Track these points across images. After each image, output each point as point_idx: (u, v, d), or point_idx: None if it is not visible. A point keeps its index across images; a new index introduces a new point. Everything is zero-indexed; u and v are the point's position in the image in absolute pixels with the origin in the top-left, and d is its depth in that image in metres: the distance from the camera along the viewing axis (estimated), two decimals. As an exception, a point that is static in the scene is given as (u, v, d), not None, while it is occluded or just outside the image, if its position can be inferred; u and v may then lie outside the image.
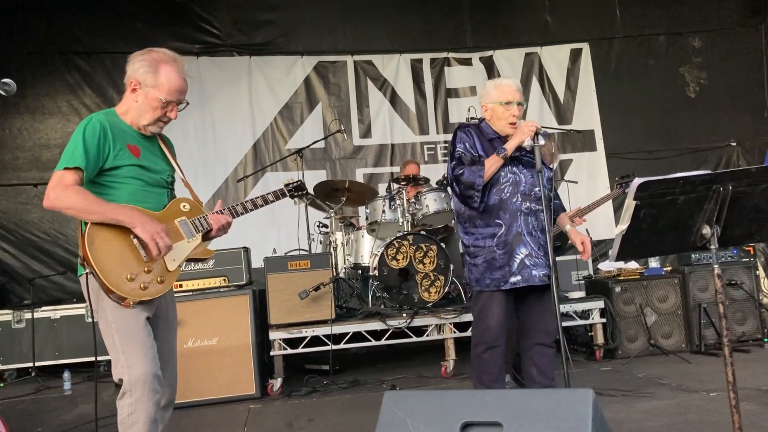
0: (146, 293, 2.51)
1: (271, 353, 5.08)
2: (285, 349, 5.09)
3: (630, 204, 2.37)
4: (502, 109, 3.53)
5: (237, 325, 4.88)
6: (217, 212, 2.79)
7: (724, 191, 2.38)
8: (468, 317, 5.20)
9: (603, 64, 8.70)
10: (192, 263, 4.94)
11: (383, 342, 5.31)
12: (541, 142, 3.32)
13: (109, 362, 2.64)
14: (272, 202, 3.04)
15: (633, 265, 5.79)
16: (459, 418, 1.92)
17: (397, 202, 5.78)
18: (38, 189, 7.44)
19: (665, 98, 8.66)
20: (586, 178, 8.31)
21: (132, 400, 2.46)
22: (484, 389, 3.44)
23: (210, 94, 7.99)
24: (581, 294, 6.00)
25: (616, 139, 8.52)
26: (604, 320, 5.48)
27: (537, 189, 3.41)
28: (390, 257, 5.35)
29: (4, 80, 2.65)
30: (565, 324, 4.85)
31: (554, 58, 8.67)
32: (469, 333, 5.15)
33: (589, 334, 5.63)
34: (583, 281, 6.29)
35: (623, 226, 2.41)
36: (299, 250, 6.21)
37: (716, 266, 2.51)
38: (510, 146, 3.40)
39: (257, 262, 5.46)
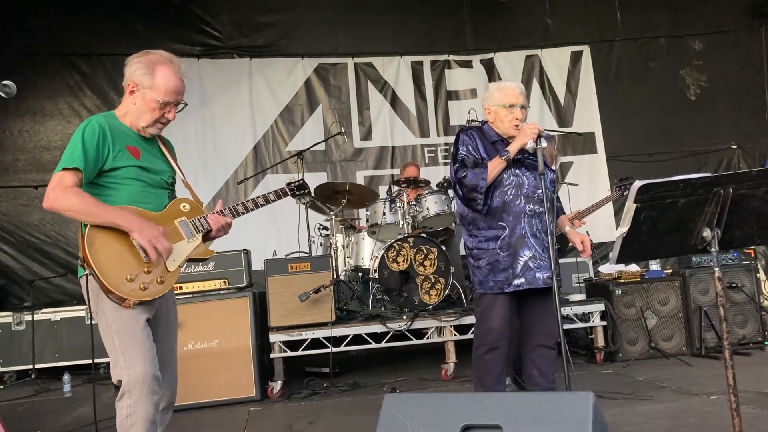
0: (146, 294, 2.51)
1: (271, 356, 5.07)
2: (285, 351, 5.09)
3: (630, 207, 2.37)
4: (505, 112, 3.53)
5: (237, 328, 4.88)
6: (217, 212, 2.80)
7: (724, 194, 2.38)
8: (468, 320, 5.20)
9: (603, 67, 8.71)
10: (192, 265, 5.00)
11: (383, 344, 5.30)
12: (544, 144, 3.32)
13: (108, 364, 2.64)
14: (273, 201, 3.04)
15: (633, 267, 5.79)
16: (459, 420, 1.91)
17: (398, 204, 5.78)
18: (38, 191, 7.45)
19: (666, 101, 8.67)
20: (587, 181, 8.32)
21: (131, 402, 2.46)
22: (485, 391, 3.44)
23: (210, 96, 8.00)
24: (582, 297, 5.99)
25: (617, 142, 8.53)
26: (604, 323, 5.47)
27: (540, 191, 3.41)
28: (390, 260, 5.35)
29: (5, 82, 2.65)
30: (565, 327, 4.85)
31: (555, 60, 8.68)
32: (469, 336, 5.17)
33: (590, 336, 5.62)
34: (583, 284, 6.29)
35: (624, 228, 2.41)
36: (299, 252, 6.21)
37: (717, 269, 2.51)
38: (512, 149, 3.40)
39: (257, 265, 5.46)
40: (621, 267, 5.75)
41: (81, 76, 7.79)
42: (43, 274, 7.35)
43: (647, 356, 5.44)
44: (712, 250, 2.46)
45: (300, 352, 5.12)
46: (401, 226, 5.73)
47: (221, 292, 5.06)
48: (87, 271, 2.51)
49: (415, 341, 5.31)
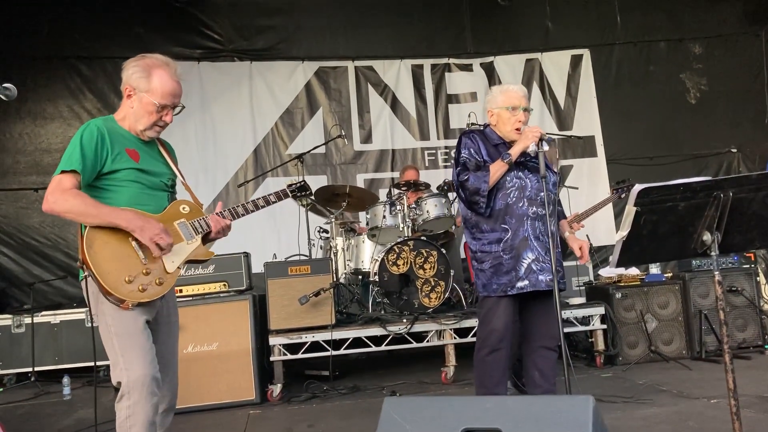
0: (145, 295, 2.52)
1: (271, 359, 5.07)
2: (285, 354, 5.09)
3: (630, 210, 2.37)
4: (508, 115, 3.54)
5: (237, 331, 4.88)
6: (217, 214, 2.80)
7: (724, 198, 2.38)
8: (468, 323, 5.20)
9: (604, 70, 8.71)
10: (192, 268, 5.01)
11: (383, 348, 5.30)
12: (545, 147, 3.32)
13: (108, 367, 2.64)
14: (274, 202, 3.04)
15: (633, 271, 5.78)
16: (459, 424, 1.91)
17: (398, 207, 5.78)
18: (39, 193, 7.44)
19: (666, 104, 8.67)
20: (587, 184, 8.31)
21: (130, 403, 2.46)
22: (486, 393, 3.44)
23: (211, 99, 8.00)
24: (582, 300, 5.99)
25: (617, 145, 8.53)
26: (604, 326, 5.47)
27: (543, 194, 3.42)
28: (390, 263, 5.35)
29: (5, 85, 2.66)
30: (565, 330, 4.85)
31: (555, 63, 8.68)
32: (469, 339, 5.18)
33: (590, 340, 5.62)
34: (583, 287, 6.28)
35: (624, 232, 2.41)
36: (299, 255, 6.22)
37: (717, 273, 2.51)
38: (514, 151, 3.41)
39: (257, 267, 5.45)
40: (621, 270, 5.75)
41: (81, 78, 7.80)
42: (43, 276, 7.34)
43: (647, 360, 5.44)
44: (712, 253, 2.46)
45: (300, 355, 5.12)
46: (401, 229, 5.73)
47: (221, 295, 5.06)
48: (86, 273, 2.52)
49: (415, 344, 5.30)
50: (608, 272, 5.99)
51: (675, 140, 8.59)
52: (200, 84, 7.94)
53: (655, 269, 6.08)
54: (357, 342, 5.22)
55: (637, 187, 2.35)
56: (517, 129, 3.51)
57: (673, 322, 5.56)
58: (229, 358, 4.83)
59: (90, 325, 6.28)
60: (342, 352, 5.20)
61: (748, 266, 5.79)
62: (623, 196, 6.24)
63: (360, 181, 8.19)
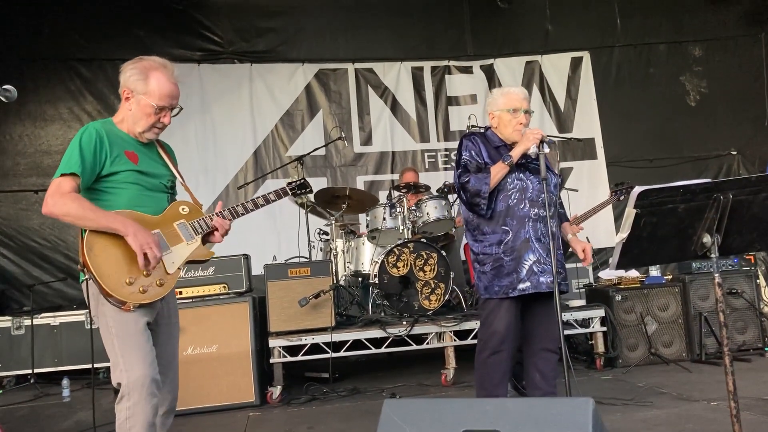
0: (145, 296, 2.53)
1: (271, 361, 5.06)
2: (285, 356, 5.08)
3: (630, 212, 2.37)
4: (510, 117, 3.54)
5: (237, 333, 4.87)
6: (217, 213, 2.81)
7: (724, 200, 2.38)
8: (468, 325, 5.20)
9: (603, 73, 8.72)
10: (192, 270, 5.01)
11: (383, 350, 5.29)
12: (546, 150, 3.33)
13: (107, 369, 2.65)
14: (273, 201, 3.04)
15: (633, 273, 5.78)
16: (459, 426, 1.91)
17: (398, 209, 5.78)
18: (39, 195, 7.44)
19: (666, 107, 8.68)
20: (587, 187, 8.31)
21: (130, 404, 2.46)
22: (487, 395, 3.43)
23: (211, 101, 8.01)
24: (582, 302, 5.99)
25: (617, 148, 8.54)
26: (604, 329, 5.46)
27: (545, 195, 3.41)
28: (390, 265, 5.35)
29: (5, 87, 2.67)
30: (565, 332, 4.84)
31: (555, 66, 8.69)
32: (469, 341, 5.17)
33: (590, 342, 5.61)
34: (583, 289, 6.28)
35: (623, 234, 2.41)
36: (299, 257, 6.21)
37: (717, 275, 2.51)
38: (515, 153, 3.41)
39: (257, 270, 5.45)
40: (621, 273, 5.75)
41: (82, 80, 7.81)
42: (42, 278, 7.34)
43: (647, 362, 5.44)
44: (712, 256, 2.46)
45: (299, 358, 5.12)
46: (401, 231, 5.73)
47: (221, 297, 5.06)
48: (87, 276, 2.53)
49: (414, 347, 5.30)
50: (608, 274, 5.99)
51: (675, 142, 8.60)
52: (200, 86, 7.95)
53: (655, 271, 6.08)
54: (357, 344, 5.22)
55: (637, 189, 2.35)
56: (518, 131, 3.52)
57: (673, 324, 5.55)
58: (229, 360, 4.83)
59: (89, 327, 6.28)
60: (342, 354, 5.19)
61: (748, 268, 5.79)
62: (622, 198, 6.26)
63: (360, 183, 8.19)
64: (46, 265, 7.48)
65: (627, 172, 8.07)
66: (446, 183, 6.41)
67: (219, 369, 4.80)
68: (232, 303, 4.97)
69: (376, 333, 5.18)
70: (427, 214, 5.78)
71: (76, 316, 6.49)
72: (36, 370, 6.27)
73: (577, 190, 7.63)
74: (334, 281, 5.45)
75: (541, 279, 3.39)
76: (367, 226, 5.96)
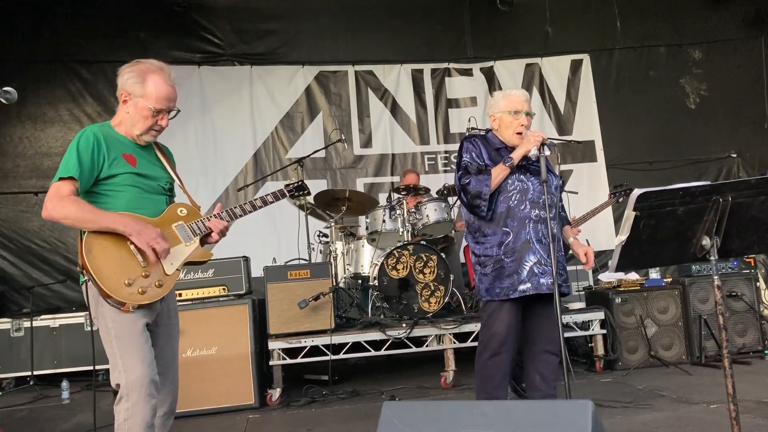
0: (145, 297, 2.54)
1: (270, 363, 5.06)
2: (284, 359, 5.08)
3: (629, 215, 2.38)
4: (511, 119, 3.55)
5: (236, 335, 4.87)
6: (215, 215, 2.82)
7: (723, 202, 2.39)
8: (468, 327, 5.20)
9: (603, 75, 8.73)
10: (192, 272, 5.00)
11: (383, 352, 5.29)
12: (547, 152, 3.33)
13: (107, 371, 2.65)
14: (271, 202, 3.05)
15: (633, 276, 5.78)
16: (458, 428, 1.91)
17: (398, 211, 5.78)
18: (38, 197, 7.44)
19: (666, 109, 8.69)
20: (587, 189, 8.31)
21: (128, 405, 2.47)
22: (486, 397, 3.43)
23: (211, 103, 8.02)
24: (582, 305, 5.98)
25: (617, 150, 8.54)
26: (604, 331, 5.46)
27: (545, 196, 3.42)
28: (390, 267, 5.35)
29: (5, 88, 2.68)
30: (565, 335, 4.84)
31: (555, 68, 8.70)
32: (469, 344, 5.17)
33: (589, 345, 5.61)
34: (583, 292, 6.28)
35: (623, 236, 2.41)
36: (299, 259, 6.21)
37: (716, 277, 2.51)
38: (516, 155, 3.42)
39: (257, 272, 5.45)
40: (621, 275, 5.75)
41: (82, 82, 7.81)
42: (42, 280, 7.33)
43: (647, 365, 5.43)
44: (712, 258, 2.46)
45: (299, 360, 5.12)
46: (401, 234, 5.73)
47: (220, 299, 5.06)
48: (86, 278, 2.54)
49: (414, 349, 5.30)
50: (608, 277, 5.98)
51: (675, 145, 8.60)
52: (200, 88, 7.96)
53: (654, 274, 6.08)
54: (356, 346, 5.22)
55: (637, 192, 2.35)
56: (519, 133, 3.52)
57: (672, 327, 5.55)
58: (229, 363, 4.83)
59: (89, 329, 6.28)
60: (341, 356, 5.19)
61: (747, 271, 5.79)
62: (620, 200, 6.26)
63: (360, 185, 8.19)
64: (46, 267, 7.48)
65: (627, 174, 8.06)
66: (446, 185, 6.40)
67: (218, 371, 4.80)
68: (231, 305, 4.96)
69: (375, 335, 5.18)
70: (427, 216, 5.77)
71: (76, 318, 6.49)
72: (35, 372, 6.26)
73: (576, 193, 7.63)
74: (334, 283, 5.45)
75: (542, 280, 3.39)
76: (367, 228, 5.96)
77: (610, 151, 8.55)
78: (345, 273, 6.12)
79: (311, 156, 7.12)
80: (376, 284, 5.35)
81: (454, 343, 5.26)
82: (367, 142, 8.40)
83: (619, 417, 3.94)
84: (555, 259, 3.27)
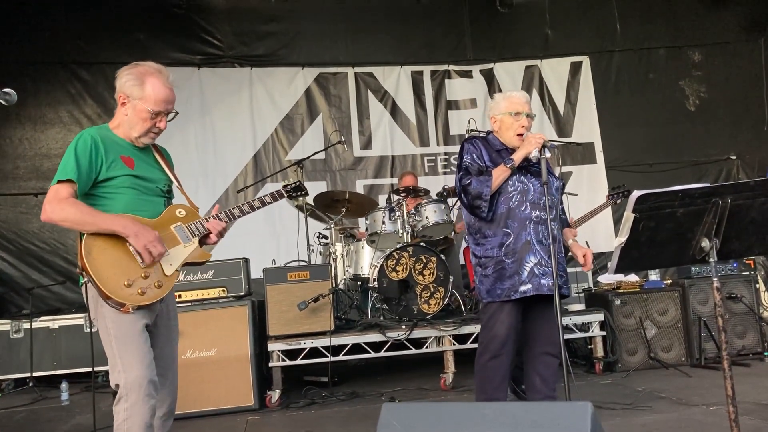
0: (144, 298, 2.55)
1: (270, 364, 5.06)
2: (284, 360, 5.08)
3: (629, 216, 2.38)
4: (511, 120, 3.55)
5: (235, 336, 4.87)
6: (213, 216, 2.82)
7: (723, 204, 2.39)
8: (467, 329, 5.20)
9: (603, 77, 8.73)
10: (191, 274, 5.00)
11: (382, 354, 5.29)
12: (547, 154, 3.34)
13: (106, 373, 2.65)
14: (269, 203, 3.06)
15: (633, 278, 5.78)
16: (457, 430, 1.91)
17: (397, 213, 5.78)
18: (38, 199, 7.45)
19: (665, 111, 8.70)
20: (586, 191, 8.31)
21: (127, 405, 2.48)
22: (486, 398, 3.43)
23: (211, 105, 8.02)
24: (581, 306, 5.98)
25: (616, 152, 8.55)
26: (603, 333, 5.46)
27: (546, 197, 3.42)
28: (390, 269, 5.35)
29: (5, 90, 2.68)
30: (565, 337, 4.84)
31: (554, 70, 8.70)
32: (468, 345, 5.17)
33: (589, 347, 5.61)
34: (582, 294, 6.28)
35: (622, 238, 2.41)
36: (299, 261, 6.21)
37: (715, 279, 2.51)
38: (517, 157, 3.42)
39: (256, 273, 5.45)
40: (620, 277, 5.75)
41: (82, 84, 7.81)
42: (41, 281, 7.33)
43: (646, 367, 5.43)
44: (711, 260, 2.46)
45: (299, 361, 5.11)
46: (400, 235, 5.73)
47: (220, 300, 5.06)
48: (86, 279, 2.55)
49: (414, 351, 5.29)
50: (607, 279, 5.98)
51: (674, 147, 8.61)
52: (200, 90, 7.96)
53: (654, 276, 6.08)
54: (356, 348, 5.22)
55: (636, 194, 2.35)
56: (520, 134, 3.53)
57: (672, 329, 5.55)
58: (228, 364, 4.83)
59: (89, 330, 6.27)
60: (341, 358, 5.19)
61: (747, 273, 5.79)
62: (618, 201, 6.26)
63: (359, 187, 8.19)
64: (46, 269, 7.48)
65: (626, 176, 8.05)
66: (446, 187, 6.41)
67: (218, 373, 4.80)
68: (231, 306, 4.96)
69: (375, 337, 5.18)
70: (427, 218, 5.78)
71: (75, 319, 6.48)
72: (35, 374, 6.25)
73: (576, 195, 7.61)
74: (334, 285, 5.45)
75: (543, 281, 3.39)
76: (367, 229, 5.96)
77: (610, 152, 8.55)
78: (344, 274, 6.12)
79: (311, 157, 7.12)
80: (376, 286, 5.35)
81: (454, 344, 5.26)
82: (366, 144, 8.40)
83: (619, 419, 3.94)
84: (555, 260, 3.27)
